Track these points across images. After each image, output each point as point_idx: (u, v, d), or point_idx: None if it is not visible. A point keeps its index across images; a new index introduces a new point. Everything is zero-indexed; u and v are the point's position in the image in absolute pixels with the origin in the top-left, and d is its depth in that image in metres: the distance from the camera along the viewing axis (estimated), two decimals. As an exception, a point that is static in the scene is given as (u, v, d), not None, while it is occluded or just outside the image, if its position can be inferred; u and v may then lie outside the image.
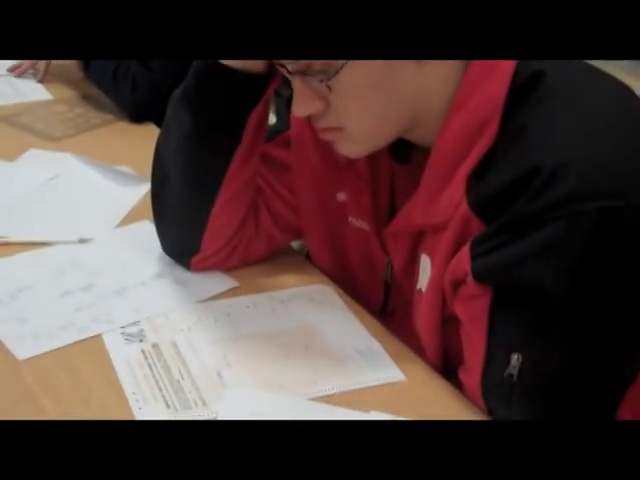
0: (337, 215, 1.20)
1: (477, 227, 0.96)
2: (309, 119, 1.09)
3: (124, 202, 1.42)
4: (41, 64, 1.86)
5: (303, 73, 0.97)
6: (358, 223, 1.18)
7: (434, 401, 1.03)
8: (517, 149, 0.93)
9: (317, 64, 0.95)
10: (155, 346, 1.09)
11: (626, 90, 1.00)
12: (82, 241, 1.30)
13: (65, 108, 1.77)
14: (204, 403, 1.00)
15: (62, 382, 1.03)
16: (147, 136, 1.68)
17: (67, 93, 1.86)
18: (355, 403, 1.02)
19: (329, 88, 0.96)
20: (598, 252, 0.89)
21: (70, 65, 1.89)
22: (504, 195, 0.92)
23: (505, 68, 0.96)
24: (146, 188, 1.44)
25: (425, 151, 1.04)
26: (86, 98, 1.82)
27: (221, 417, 0.98)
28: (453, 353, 1.07)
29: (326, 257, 1.25)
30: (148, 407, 0.99)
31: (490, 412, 0.99)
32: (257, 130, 1.13)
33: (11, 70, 1.90)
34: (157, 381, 1.03)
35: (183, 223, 1.20)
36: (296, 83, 1.00)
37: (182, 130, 1.14)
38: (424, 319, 1.08)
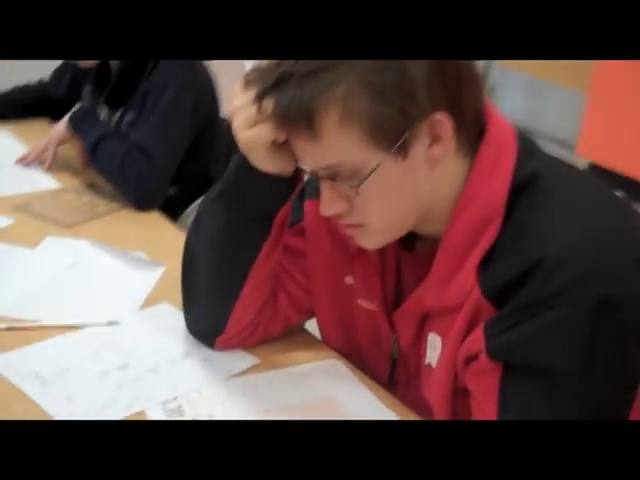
0: (346, 297, 1.24)
1: (488, 310, 1.02)
2: (326, 220, 1.15)
3: (143, 285, 1.44)
4: (48, 154, 1.87)
5: (332, 178, 1.02)
6: (366, 304, 1.22)
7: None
8: (520, 243, 1.00)
9: (346, 171, 1.00)
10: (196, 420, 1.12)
11: (606, 189, 1.08)
12: (111, 324, 1.32)
13: (73, 196, 1.78)
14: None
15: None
16: (154, 223, 1.73)
17: (73, 181, 1.86)
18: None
19: (357, 192, 1.02)
20: (599, 331, 0.96)
21: (74, 155, 1.91)
22: (513, 284, 0.99)
23: (505, 170, 1.03)
24: (160, 272, 1.49)
25: (430, 241, 1.10)
26: (91, 186, 1.83)
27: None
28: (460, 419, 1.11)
29: (335, 334, 1.29)
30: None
31: None
32: (282, 225, 1.18)
33: (19, 161, 1.90)
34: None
35: (211, 306, 1.23)
36: (324, 186, 1.04)
37: (216, 224, 1.18)
38: (436, 390, 1.12)
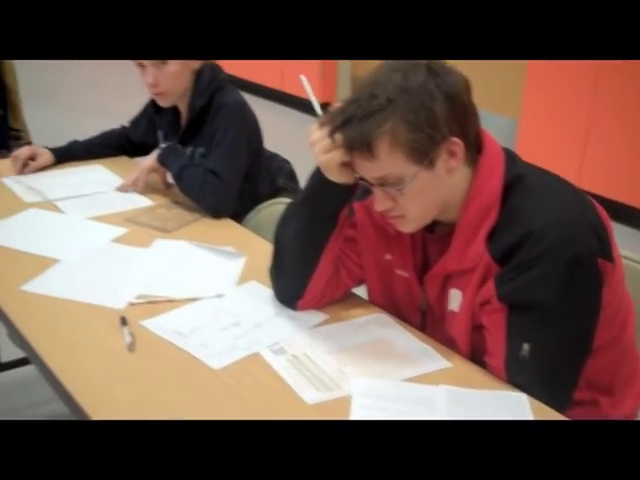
0: (386, 268, 1.46)
1: (494, 268, 1.27)
2: (370, 210, 1.39)
3: (235, 269, 1.66)
4: (140, 181, 2.06)
5: (382, 185, 1.26)
6: (402, 273, 1.43)
7: (472, 376, 1.30)
8: (515, 221, 1.25)
9: (393, 179, 1.24)
10: (295, 356, 1.34)
11: (567, 182, 1.32)
12: (219, 296, 1.54)
13: (164, 210, 1.97)
14: (339, 386, 1.26)
15: (248, 382, 1.28)
16: (229, 226, 1.93)
17: (162, 200, 2.05)
18: (427, 382, 1.29)
19: (402, 193, 1.25)
20: (571, 278, 1.22)
21: (157, 180, 2.11)
22: (512, 249, 1.24)
23: (498, 172, 1.28)
24: (243, 260, 1.70)
25: (446, 225, 1.34)
26: (176, 202, 2.02)
27: (352, 394, 1.24)
28: (477, 348, 1.34)
29: (379, 296, 1.51)
30: (306, 392, 1.25)
31: (510, 379, 1.26)
32: (344, 219, 1.42)
33: (119, 188, 2.09)
34: (306, 376, 1.29)
35: (295, 279, 1.46)
36: (377, 191, 1.28)
37: (300, 222, 1.42)
38: (459, 328, 1.35)
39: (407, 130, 1.20)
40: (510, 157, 1.32)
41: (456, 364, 1.34)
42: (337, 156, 1.29)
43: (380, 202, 1.29)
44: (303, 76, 1.43)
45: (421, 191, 1.26)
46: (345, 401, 1.23)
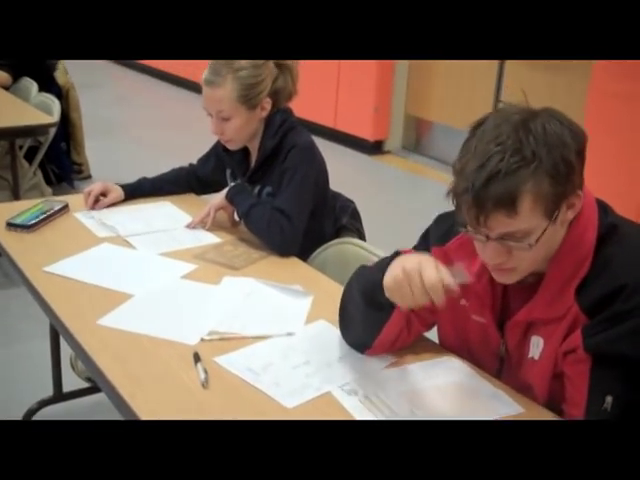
0: (461, 314, 1.43)
1: (582, 320, 1.25)
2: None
3: (303, 307, 1.67)
4: (209, 218, 2.08)
5: (503, 239, 1.22)
6: (478, 319, 1.41)
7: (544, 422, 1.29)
8: (607, 273, 1.23)
9: (519, 234, 1.20)
10: (367, 397, 1.35)
11: None
12: (289, 334, 1.55)
13: (231, 247, 2.00)
14: (411, 429, 1.25)
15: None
16: (295, 265, 1.95)
17: (229, 237, 2.07)
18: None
19: (529, 247, 1.21)
20: None
21: (225, 218, 2.14)
22: (603, 301, 1.23)
23: (593, 224, 1.26)
24: (310, 299, 1.71)
25: (532, 274, 1.30)
26: (243, 240, 2.04)
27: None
28: (555, 396, 1.31)
29: (452, 340, 1.49)
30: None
31: None
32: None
33: (188, 225, 2.11)
34: (376, 416, 1.29)
35: (363, 334, 1.46)
36: (494, 244, 1.22)
37: (358, 309, 1.44)
38: (538, 376, 1.33)
39: (549, 184, 1.18)
40: (603, 208, 1.31)
41: (528, 409, 1.33)
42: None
43: (495, 255, 1.24)
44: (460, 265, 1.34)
45: (542, 245, 1.23)
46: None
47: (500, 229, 1.21)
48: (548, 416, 1.30)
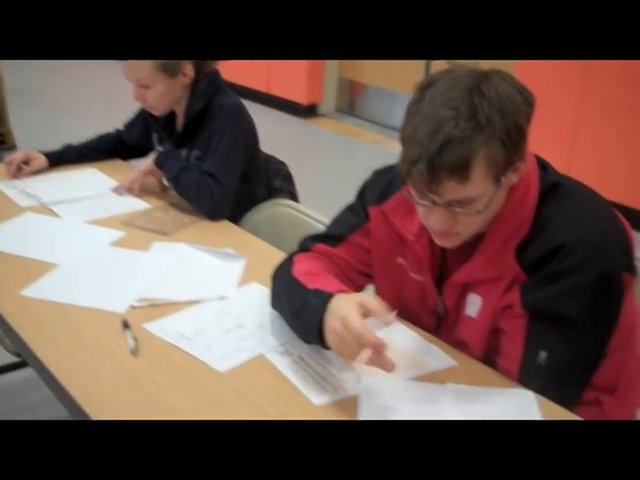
0: (399, 272, 1.42)
1: (522, 277, 1.24)
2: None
3: (236, 271, 1.64)
4: (136, 184, 2.03)
5: (450, 205, 1.18)
6: (416, 277, 1.39)
7: (478, 374, 1.29)
8: (547, 233, 1.22)
9: (466, 200, 1.16)
10: (301, 357, 1.32)
11: (597, 193, 1.29)
12: (221, 298, 1.52)
13: (161, 213, 1.95)
14: (345, 387, 1.24)
15: (254, 385, 1.26)
16: (227, 229, 1.91)
17: (158, 202, 2.02)
18: (434, 380, 1.27)
19: (478, 212, 1.18)
20: (597, 293, 1.20)
21: (153, 183, 2.09)
22: (542, 260, 1.22)
23: (534, 185, 1.24)
24: (244, 262, 1.68)
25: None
26: (172, 205, 2.00)
27: (359, 394, 1.22)
28: (489, 351, 1.31)
29: (389, 299, 1.40)
30: (313, 393, 1.23)
31: (522, 383, 1.24)
32: None
33: (115, 190, 2.06)
34: (313, 377, 1.27)
35: None
36: (440, 210, 1.19)
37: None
38: (474, 333, 1.32)
39: (501, 151, 1.14)
40: (542, 166, 1.29)
41: (462, 363, 1.33)
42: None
43: (441, 221, 1.21)
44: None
45: (488, 209, 1.20)
46: (352, 402, 1.21)
47: (449, 196, 1.17)
48: (481, 369, 1.31)
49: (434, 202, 1.18)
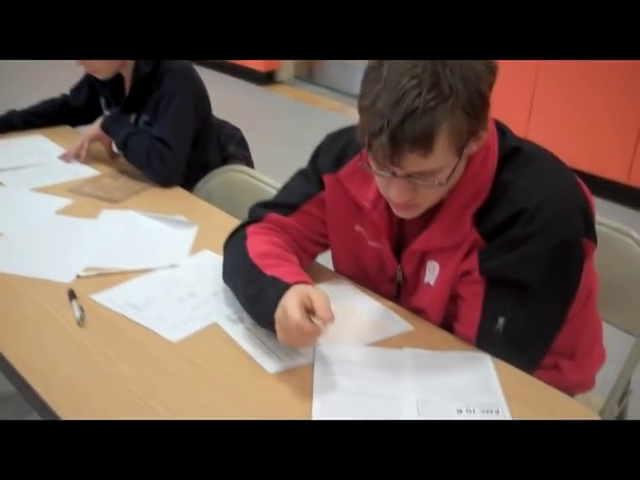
0: (356, 240, 1.38)
1: (480, 243, 1.21)
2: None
3: (187, 238, 1.59)
4: (83, 150, 1.96)
5: (410, 176, 1.12)
6: (375, 244, 1.36)
7: (435, 338, 1.27)
8: (507, 197, 1.18)
9: (428, 172, 1.11)
10: (254, 324, 1.28)
11: (557, 158, 1.25)
12: (172, 266, 1.47)
13: (110, 180, 1.88)
14: (300, 354, 1.21)
15: (207, 354, 1.22)
16: (179, 195, 1.86)
17: (107, 169, 1.96)
18: (391, 345, 1.25)
19: (440, 184, 1.12)
20: (559, 260, 1.18)
21: (102, 149, 2.02)
22: (502, 225, 1.18)
23: (493, 151, 1.20)
24: (195, 229, 1.63)
25: None
26: (122, 172, 1.94)
27: (314, 361, 1.19)
28: (447, 317, 1.29)
29: (347, 267, 1.44)
30: (267, 361, 1.19)
31: (479, 348, 1.23)
32: None
33: (62, 157, 1.99)
34: (266, 345, 1.23)
35: None
36: (401, 181, 1.13)
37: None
38: (433, 300, 1.30)
39: (465, 121, 1.08)
40: (501, 131, 1.25)
41: (419, 328, 1.30)
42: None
43: (401, 194, 1.15)
44: None
45: (449, 181, 1.16)
46: (308, 369, 1.18)
47: (411, 168, 1.11)
48: (439, 334, 1.29)
49: (394, 174, 1.13)
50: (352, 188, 1.32)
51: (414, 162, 1.09)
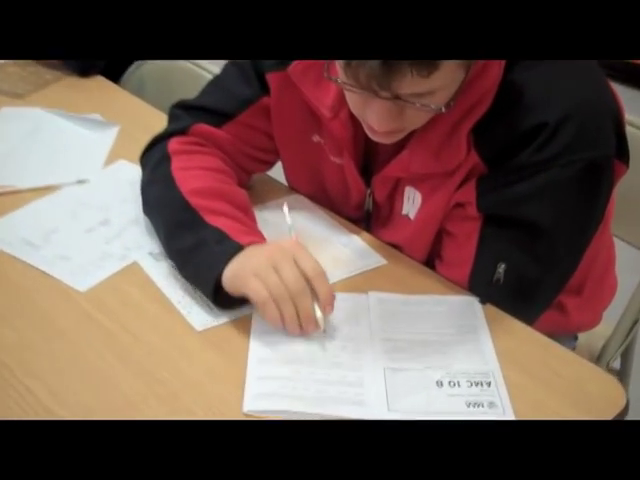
0: (315, 152, 1.09)
1: (481, 169, 0.93)
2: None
3: (102, 145, 1.29)
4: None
5: (398, 98, 0.83)
6: (337, 160, 1.07)
7: (412, 277, 1.02)
8: (520, 107, 0.89)
9: (426, 92, 0.83)
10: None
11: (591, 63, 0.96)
12: (80, 182, 1.18)
13: (18, 69, 1.54)
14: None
15: (116, 303, 0.96)
16: (100, 87, 1.54)
17: None
18: (355, 287, 1.00)
19: (438, 108, 0.85)
20: (582, 190, 0.91)
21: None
22: (512, 145, 0.89)
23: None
24: (115, 131, 1.34)
25: None
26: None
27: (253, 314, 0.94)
28: (431, 257, 1.04)
29: (305, 185, 1.16)
30: (195, 314, 0.94)
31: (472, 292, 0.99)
32: None
33: None
34: (195, 290, 0.97)
35: None
36: (388, 104, 0.84)
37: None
38: (413, 238, 1.04)
39: None
40: None
41: (391, 261, 1.04)
42: None
43: (385, 120, 0.86)
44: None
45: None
46: (245, 322, 0.92)
47: (405, 89, 0.82)
48: (412, 267, 1.03)
49: (377, 93, 0.83)
50: (305, 89, 1.00)
51: (409, 83, 0.80)
